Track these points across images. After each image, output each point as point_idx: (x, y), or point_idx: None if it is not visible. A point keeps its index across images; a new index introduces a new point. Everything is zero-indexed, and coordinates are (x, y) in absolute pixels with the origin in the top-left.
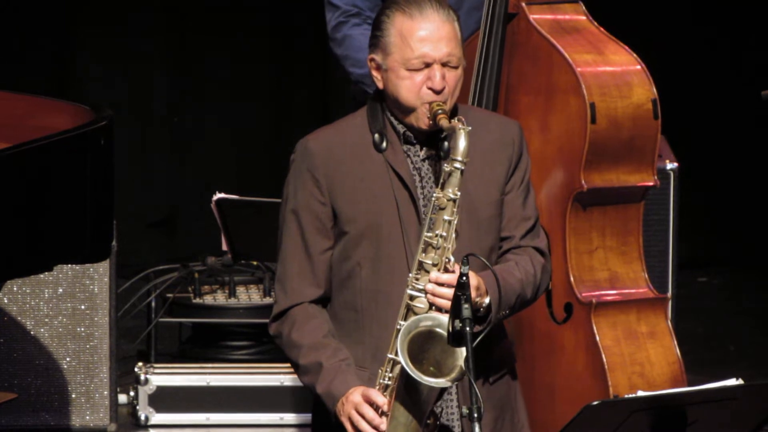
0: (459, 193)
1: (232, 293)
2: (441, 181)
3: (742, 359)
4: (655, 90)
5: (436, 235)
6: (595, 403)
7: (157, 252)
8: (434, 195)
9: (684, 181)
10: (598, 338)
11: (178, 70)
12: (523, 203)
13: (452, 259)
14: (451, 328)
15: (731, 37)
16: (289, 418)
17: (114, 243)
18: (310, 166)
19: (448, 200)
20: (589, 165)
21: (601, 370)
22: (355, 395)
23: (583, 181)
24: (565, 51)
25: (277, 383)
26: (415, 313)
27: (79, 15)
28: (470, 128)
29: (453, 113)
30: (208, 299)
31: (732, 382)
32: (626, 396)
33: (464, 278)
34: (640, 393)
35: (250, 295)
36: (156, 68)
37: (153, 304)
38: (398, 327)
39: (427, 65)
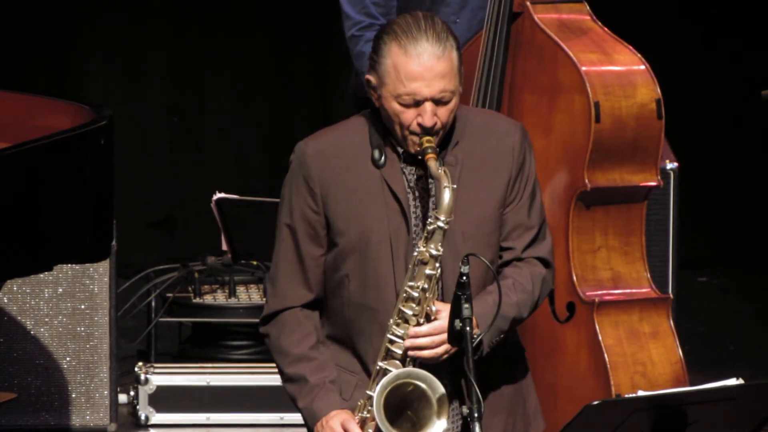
0: (441, 250)
1: (232, 293)
2: (425, 235)
3: (742, 359)
4: (659, 90)
5: (418, 287)
6: (596, 402)
7: (157, 252)
8: (417, 249)
9: (684, 181)
10: (600, 337)
11: (178, 70)
12: (527, 212)
13: (434, 308)
14: (451, 328)
15: (731, 37)
16: (289, 418)
17: (114, 243)
18: (305, 173)
19: (430, 256)
20: (592, 164)
21: (604, 369)
22: (335, 422)
23: (586, 181)
24: (569, 50)
25: (277, 383)
26: (393, 357)
27: (79, 15)
28: (455, 186)
29: (452, 122)
30: (208, 299)
31: (732, 382)
32: (626, 396)
33: (464, 278)
34: (641, 393)
35: (250, 295)
36: (156, 68)
37: (153, 303)
38: (378, 368)
39: (418, 103)
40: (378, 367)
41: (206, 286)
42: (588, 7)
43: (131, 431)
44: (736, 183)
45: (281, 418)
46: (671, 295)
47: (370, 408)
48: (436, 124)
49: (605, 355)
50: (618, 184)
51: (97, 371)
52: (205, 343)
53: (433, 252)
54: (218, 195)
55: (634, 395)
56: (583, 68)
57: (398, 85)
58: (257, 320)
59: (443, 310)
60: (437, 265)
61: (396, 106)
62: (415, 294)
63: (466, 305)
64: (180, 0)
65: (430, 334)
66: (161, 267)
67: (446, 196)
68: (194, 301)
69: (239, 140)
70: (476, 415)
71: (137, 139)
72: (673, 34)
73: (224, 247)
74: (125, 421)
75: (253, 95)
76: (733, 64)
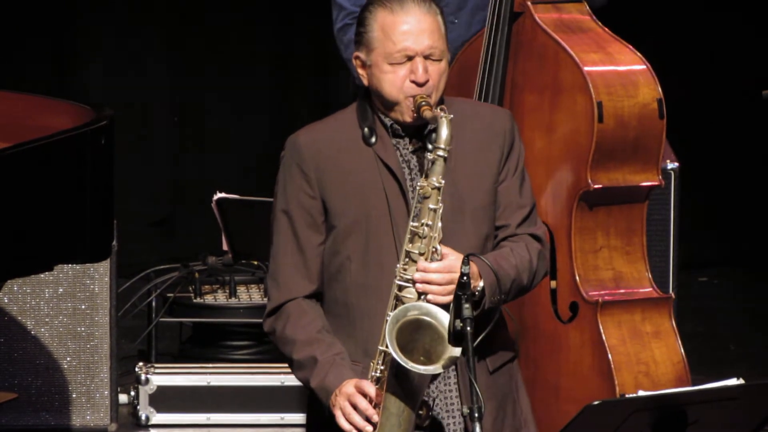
0: (443, 181)
1: (233, 293)
2: (425, 170)
3: (742, 359)
4: (660, 90)
5: (422, 224)
6: (596, 402)
7: (157, 252)
8: (418, 184)
9: (684, 181)
10: (604, 337)
11: (178, 69)
12: (518, 191)
13: (439, 248)
14: (451, 328)
15: (731, 36)
16: (290, 418)
17: (114, 243)
18: (299, 161)
19: (432, 189)
20: (595, 164)
21: (608, 369)
22: (348, 386)
23: (589, 180)
24: (571, 50)
25: (278, 383)
26: (404, 304)
27: (79, 15)
28: (452, 116)
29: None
30: (209, 299)
31: (732, 382)
32: (627, 395)
33: (464, 278)
34: (641, 393)
35: (250, 295)
36: (156, 68)
37: (153, 303)
38: (387, 318)
39: (409, 58)
40: (387, 317)
41: (207, 286)
42: (588, 7)
43: (131, 431)
44: (736, 183)
45: (281, 418)
46: (672, 295)
47: (381, 367)
48: (428, 81)
49: (609, 355)
50: (620, 184)
51: (97, 371)
52: (206, 343)
53: (435, 184)
54: (218, 195)
55: (634, 395)
56: (586, 68)
57: (388, 44)
58: (258, 320)
59: (449, 253)
60: (439, 198)
61: (387, 68)
62: (421, 231)
63: (466, 305)
64: (181, 0)
65: (440, 272)
66: (162, 267)
67: (444, 125)
68: (195, 301)
69: (239, 140)
70: (476, 415)
71: (137, 139)
72: (673, 34)
73: (225, 247)
74: (126, 421)
75: (253, 95)
76: (734, 63)
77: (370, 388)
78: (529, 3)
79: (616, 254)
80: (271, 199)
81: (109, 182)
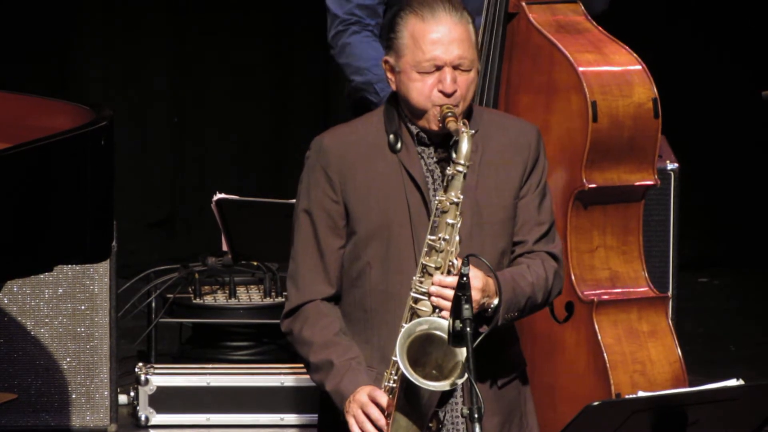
0: (462, 197)
1: (233, 293)
2: (444, 184)
3: (742, 359)
4: (655, 89)
5: (439, 239)
6: (596, 403)
7: (157, 252)
8: (437, 198)
9: (684, 181)
10: (599, 337)
11: (178, 70)
12: (537, 208)
13: (456, 262)
14: (451, 329)
15: (732, 36)
16: (290, 418)
17: (114, 243)
18: (324, 164)
19: (450, 203)
20: (590, 164)
21: (603, 369)
22: (362, 395)
23: (584, 180)
24: (566, 50)
25: (278, 383)
26: (419, 316)
27: (79, 15)
28: (474, 131)
29: (468, 115)
30: (209, 299)
31: (732, 382)
32: (627, 396)
33: (464, 279)
34: (641, 393)
35: (250, 296)
36: (156, 68)
37: (153, 304)
38: (402, 329)
39: (438, 68)
40: (402, 328)
41: (206, 287)
42: (583, 7)
43: None
44: (736, 183)
45: (281, 419)
46: (669, 295)
47: (395, 377)
48: (456, 91)
49: (605, 355)
50: (616, 183)
51: (97, 372)
52: (206, 343)
53: (454, 199)
54: (218, 195)
55: (634, 396)
56: (580, 68)
57: (417, 52)
58: (258, 321)
59: None
60: (458, 213)
61: (415, 76)
62: (438, 245)
63: (466, 306)
64: (180, 0)
65: (455, 287)
66: (161, 267)
67: (464, 141)
68: (194, 301)
69: (239, 140)
70: (476, 415)
71: (137, 139)
72: (672, 34)
73: (224, 247)
74: (125, 422)
75: (253, 95)
76: (734, 63)
77: (383, 398)
78: (523, 4)
79: (612, 254)
80: (270, 200)
81: (109, 182)
